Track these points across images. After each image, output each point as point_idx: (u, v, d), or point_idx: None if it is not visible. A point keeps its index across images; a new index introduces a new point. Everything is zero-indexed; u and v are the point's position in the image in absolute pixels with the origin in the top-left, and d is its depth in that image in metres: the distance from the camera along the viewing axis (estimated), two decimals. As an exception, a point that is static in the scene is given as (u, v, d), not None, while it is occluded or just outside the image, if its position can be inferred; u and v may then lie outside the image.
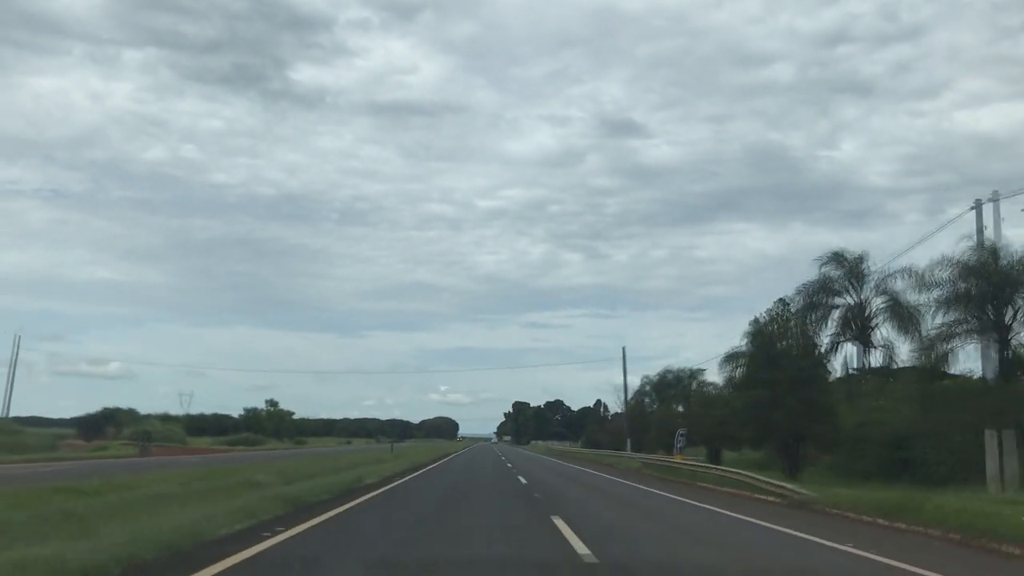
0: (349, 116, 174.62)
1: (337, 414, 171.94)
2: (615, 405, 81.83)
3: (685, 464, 30.87)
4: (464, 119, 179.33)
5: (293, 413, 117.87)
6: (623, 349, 58.85)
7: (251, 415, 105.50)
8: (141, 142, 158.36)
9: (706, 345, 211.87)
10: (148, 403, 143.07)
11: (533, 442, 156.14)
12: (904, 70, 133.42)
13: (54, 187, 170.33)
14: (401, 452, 55.04)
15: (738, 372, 42.33)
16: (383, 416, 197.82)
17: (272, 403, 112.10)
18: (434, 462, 39.64)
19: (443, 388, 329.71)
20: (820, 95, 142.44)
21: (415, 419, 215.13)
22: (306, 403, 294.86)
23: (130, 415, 70.20)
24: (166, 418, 78.50)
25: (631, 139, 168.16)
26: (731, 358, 42.55)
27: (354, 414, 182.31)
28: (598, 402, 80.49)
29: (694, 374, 60.26)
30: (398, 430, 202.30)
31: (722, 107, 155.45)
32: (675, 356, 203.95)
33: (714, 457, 36.31)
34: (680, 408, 56.77)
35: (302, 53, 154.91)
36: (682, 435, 34.21)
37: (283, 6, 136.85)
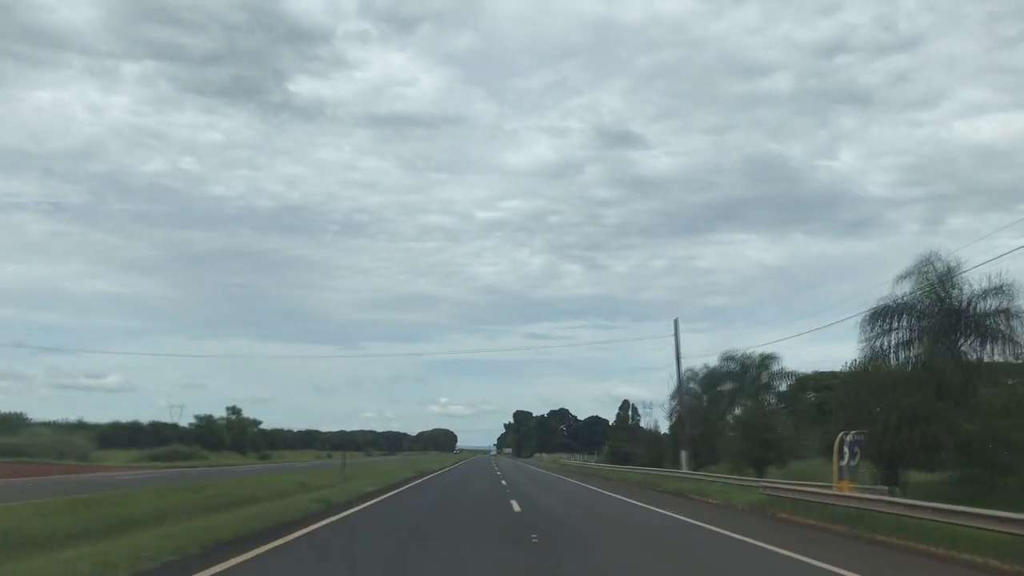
0: (348, 128, 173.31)
1: (334, 426, 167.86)
2: (640, 412, 64.96)
3: (898, 505, 14.22)
4: (463, 130, 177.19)
5: (260, 422, 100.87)
6: (675, 322, 42.30)
7: (204, 424, 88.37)
8: (140, 155, 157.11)
9: (707, 356, 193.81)
10: (140, 414, 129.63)
11: (537, 455, 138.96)
12: (902, 80, 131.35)
13: (54, 200, 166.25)
14: (361, 471, 38.37)
15: (893, 337, 25.98)
16: (380, 428, 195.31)
17: (234, 411, 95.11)
18: (381, 493, 22.90)
19: (443, 400, 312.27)
20: (819, 105, 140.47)
21: (413, 431, 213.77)
22: (304, 415, 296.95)
23: (15, 420, 53.31)
24: (75, 426, 61.53)
25: (630, 150, 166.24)
26: (881, 315, 26.16)
27: (354, 426, 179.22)
28: (625, 404, 63.55)
29: (765, 361, 43.78)
30: (390, 442, 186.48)
31: (721, 118, 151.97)
32: (674, 367, 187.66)
33: (893, 480, 19.63)
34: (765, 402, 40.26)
35: (301, 65, 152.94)
36: (856, 443, 17.43)
37: (282, 18, 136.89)
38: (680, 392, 41.45)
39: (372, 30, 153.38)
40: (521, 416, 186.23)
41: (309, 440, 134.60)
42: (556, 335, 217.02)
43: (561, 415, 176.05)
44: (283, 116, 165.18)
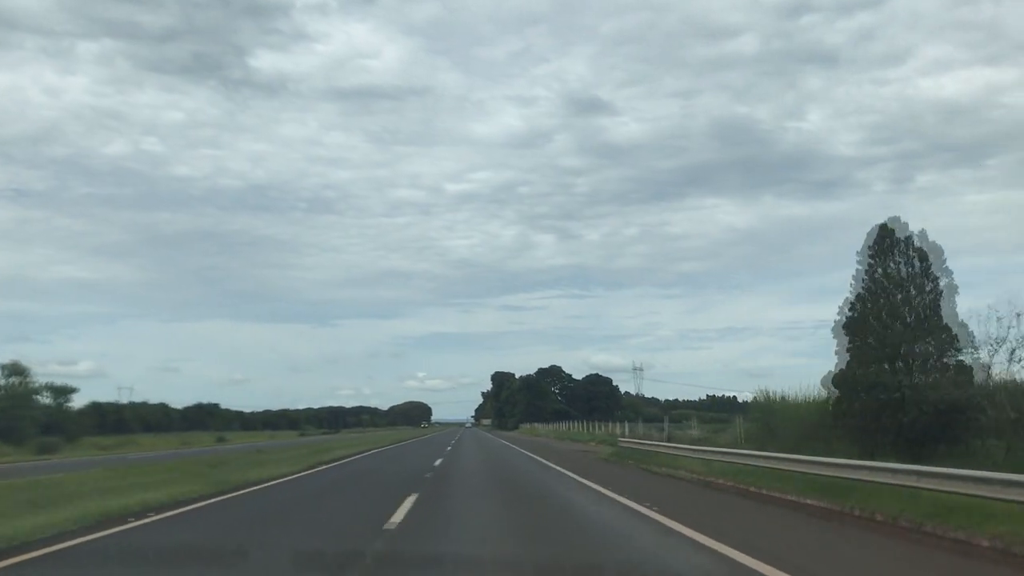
0: (312, 103, 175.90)
1: (310, 404, 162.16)
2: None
3: None
4: (429, 102, 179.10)
5: (74, 390, 60.73)
6: None
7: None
8: (101, 137, 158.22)
9: (681, 322, 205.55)
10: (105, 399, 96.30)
11: (526, 425, 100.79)
12: (867, 38, 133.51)
13: (16, 186, 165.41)
14: None
15: None
16: (354, 404, 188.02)
17: (14, 370, 54.24)
18: None
19: (421, 374, 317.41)
20: (785, 66, 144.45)
21: (385, 405, 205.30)
22: (280, 395, 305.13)
23: None
24: None
25: (598, 117, 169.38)
26: None
27: (330, 403, 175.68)
28: (894, 237, 17.03)
29: None
30: (330, 418, 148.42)
31: (688, 82, 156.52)
32: (650, 334, 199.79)
33: None
34: None
35: (261, 39, 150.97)
36: None
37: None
38: None
39: (332, 1, 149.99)
40: (501, 379, 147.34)
41: (201, 419, 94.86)
42: (531, 306, 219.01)
43: (553, 374, 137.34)
44: (245, 92, 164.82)
